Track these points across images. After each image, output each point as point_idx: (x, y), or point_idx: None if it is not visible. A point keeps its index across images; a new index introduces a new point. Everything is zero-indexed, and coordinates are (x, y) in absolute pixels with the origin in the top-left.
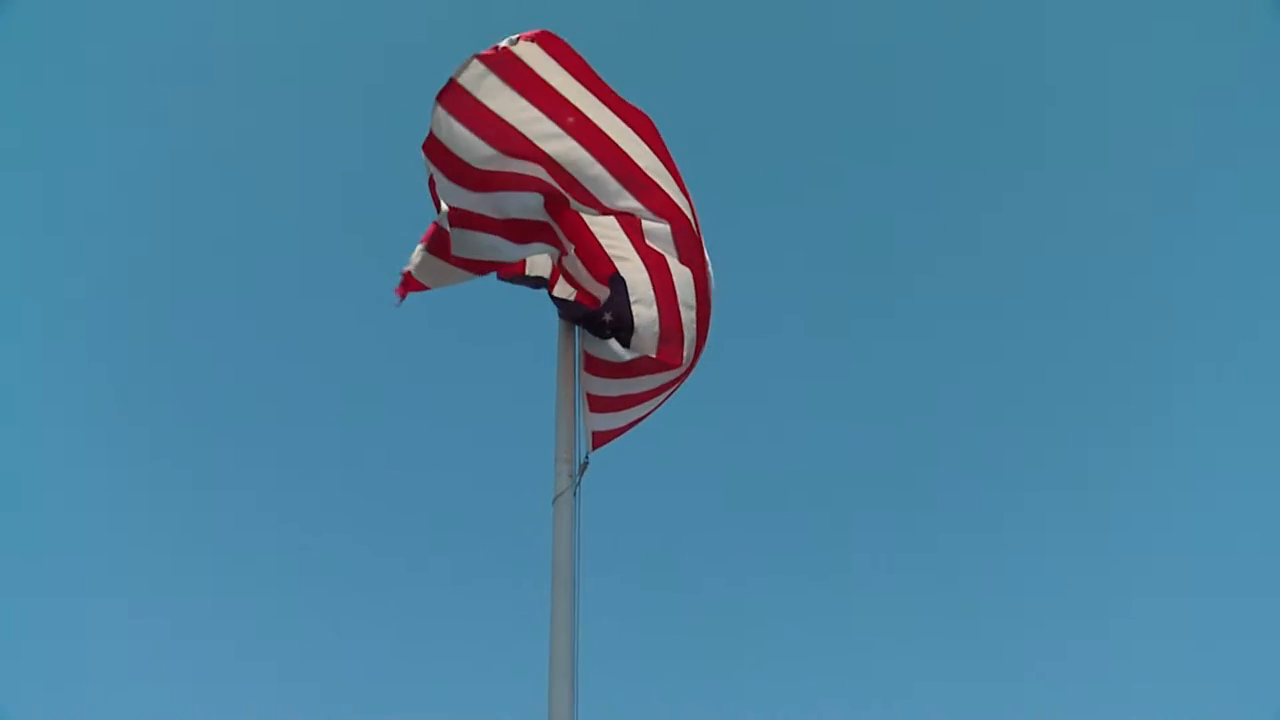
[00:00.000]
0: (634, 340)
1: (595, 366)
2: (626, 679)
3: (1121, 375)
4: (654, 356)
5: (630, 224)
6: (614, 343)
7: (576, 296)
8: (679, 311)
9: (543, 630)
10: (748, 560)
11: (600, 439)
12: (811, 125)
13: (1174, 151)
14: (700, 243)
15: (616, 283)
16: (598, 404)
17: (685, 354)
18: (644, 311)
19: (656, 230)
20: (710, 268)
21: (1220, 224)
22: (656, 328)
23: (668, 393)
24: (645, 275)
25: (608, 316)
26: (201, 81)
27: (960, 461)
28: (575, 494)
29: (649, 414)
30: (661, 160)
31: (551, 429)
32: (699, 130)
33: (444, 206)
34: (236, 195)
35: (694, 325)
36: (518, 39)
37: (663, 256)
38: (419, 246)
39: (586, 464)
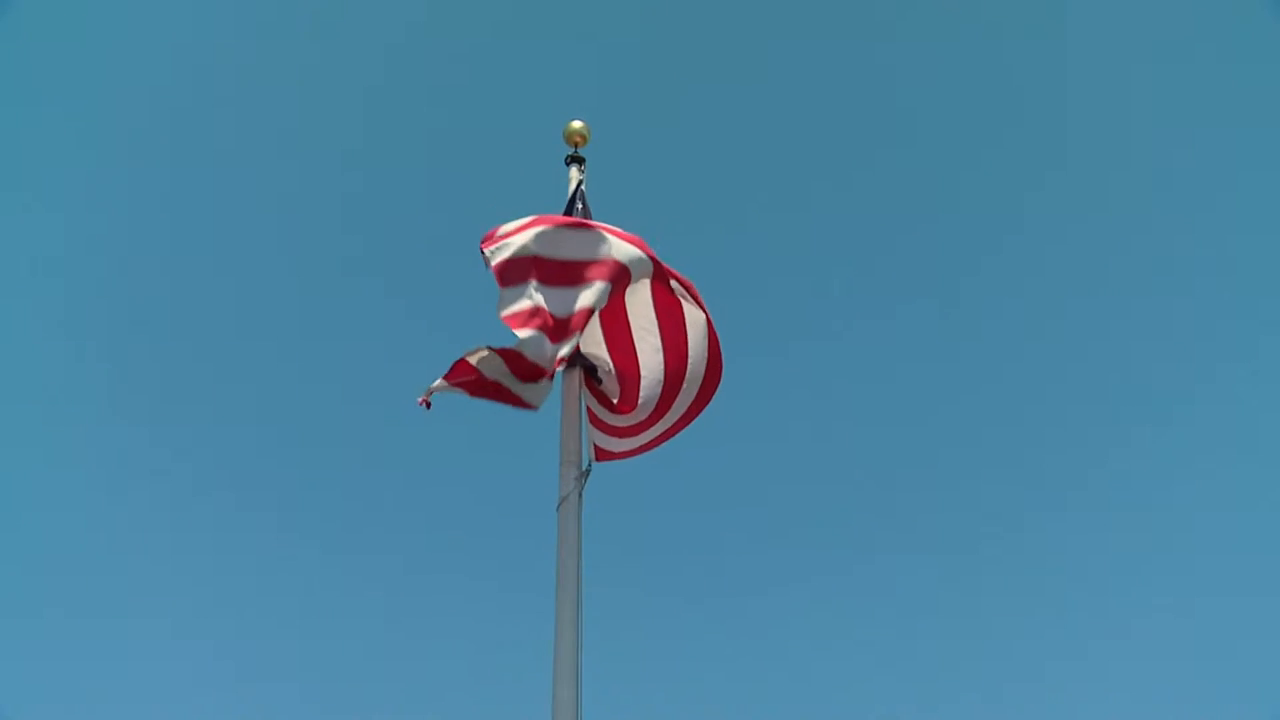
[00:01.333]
0: (606, 383)
1: (588, 381)
2: (629, 682)
3: (1131, 379)
4: (615, 401)
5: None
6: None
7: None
8: (636, 358)
9: (547, 634)
10: (751, 563)
11: (602, 455)
12: (823, 135)
13: (1179, 160)
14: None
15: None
16: (594, 420)
17: (643, 395)
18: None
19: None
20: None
21: (1226, 230)
22: (610, 368)
23: (656, 428)
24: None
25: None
26: (201, 81)
27: (967, 466)
28: (579, 499)
29: (648, 446)
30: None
31: (556, 435)
32: (707, 137)
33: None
34: (238, 196)
35: (661, 368)
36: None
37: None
38: (441, 381)
39: (589, 471)
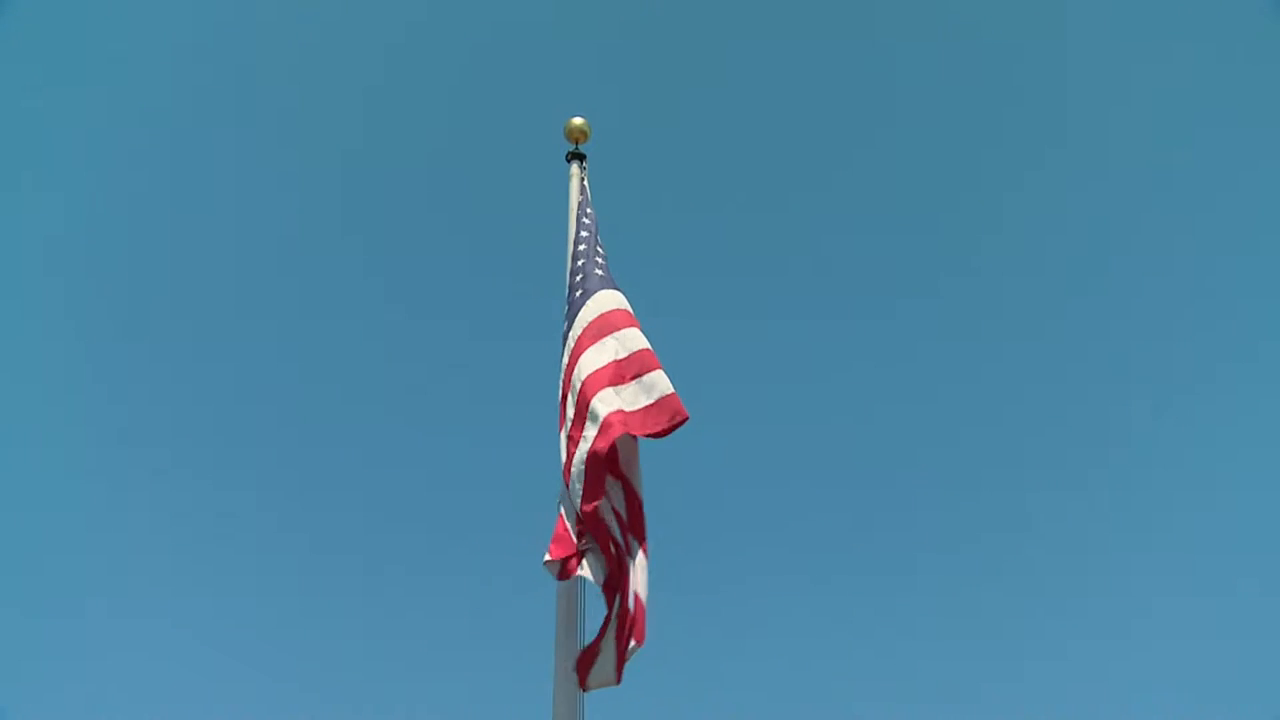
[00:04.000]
0: None
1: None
2: (630, 679)
3: (1130, 376)
4: None
5: None
6: None
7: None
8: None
9: (548, 631)
10: (750, 560)
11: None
12: (822, 132)
13: (1178, 160)
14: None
15: None
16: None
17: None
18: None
19: None
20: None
21: (1226, 229)
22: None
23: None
24: None
25: None
26: (202, 81)
27: (968, 461)
28: None
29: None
30: None
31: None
32: (707, 133)
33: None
34: (237, 194)
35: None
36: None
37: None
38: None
39: None
